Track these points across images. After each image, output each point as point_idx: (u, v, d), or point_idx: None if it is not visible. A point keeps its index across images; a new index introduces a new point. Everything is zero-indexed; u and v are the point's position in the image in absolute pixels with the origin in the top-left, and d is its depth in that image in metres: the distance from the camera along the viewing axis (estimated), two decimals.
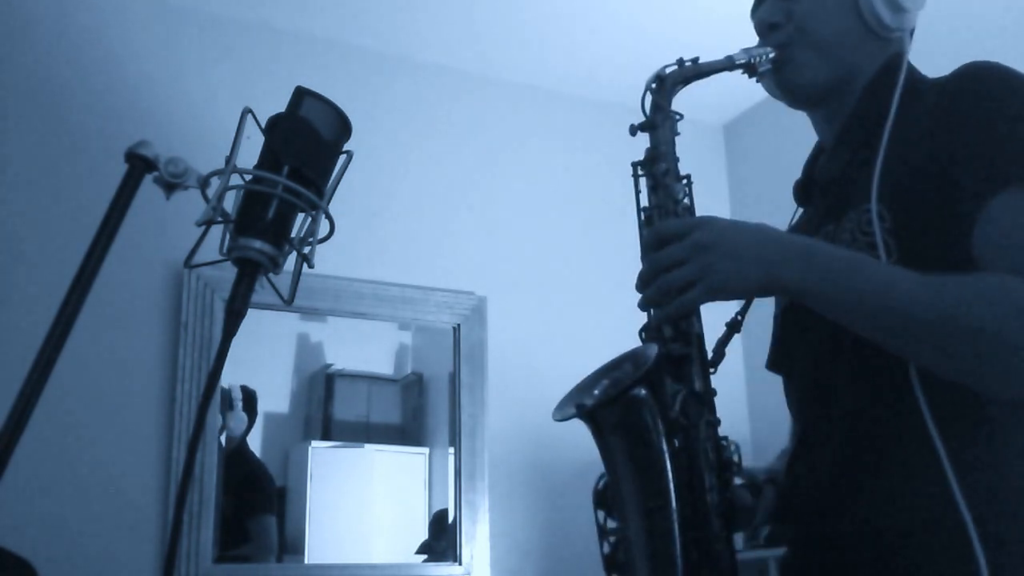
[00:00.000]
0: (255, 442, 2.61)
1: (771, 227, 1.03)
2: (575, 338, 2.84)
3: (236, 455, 2.53)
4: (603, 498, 1.10)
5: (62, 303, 0.79)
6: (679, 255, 0.98)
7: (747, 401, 2.96)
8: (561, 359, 2.80)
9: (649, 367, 1.00)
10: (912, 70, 1.14)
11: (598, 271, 2.86)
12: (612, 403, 1.02)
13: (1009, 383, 0.94)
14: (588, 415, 1.04)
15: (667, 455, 1.01)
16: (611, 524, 1.09)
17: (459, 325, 2.85)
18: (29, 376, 0.76)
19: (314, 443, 2.70)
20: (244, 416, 2.55)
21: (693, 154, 3.35)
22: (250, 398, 2.58)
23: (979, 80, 1.04)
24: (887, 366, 1.00)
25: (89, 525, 2.28)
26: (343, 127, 0.95)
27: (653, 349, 1.03)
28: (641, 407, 1.01)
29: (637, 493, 1.01)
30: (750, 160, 3.23)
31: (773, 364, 1.22)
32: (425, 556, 2.70)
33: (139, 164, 0.85)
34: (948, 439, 0.96)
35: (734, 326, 1.19)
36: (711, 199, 3.27)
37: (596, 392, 1.06)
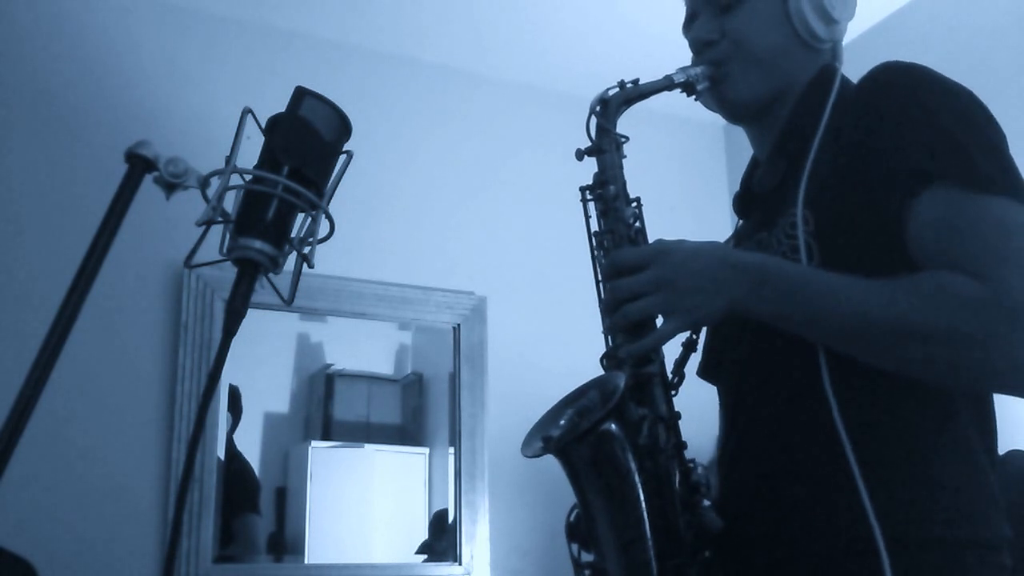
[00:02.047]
0: (255, 442, 2.61)
1: (724, 248, 1.06)
2: (575, 338, 2.83)
3: (225, 455, 2.52)
4: (576, 531, 1.10)
5: (62, 303, 0.79)
6: (640, 287, 1.00)
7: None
8: (561, 359, 2.79)
9: (618, 399, 1.00)
10: (844, 80, 1.15)
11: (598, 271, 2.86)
12: (582, 438, 1.01)
13: (966, 375, 0.96)
14: (559, 451, 1.03)
15: (639, 485, 1.01)
16: (586, 557, 1.09)
17: (459, 325, 2.85)
18: (29, 376, 0.76)
19: (314, 443, 2.69)
20: (228, 416, 2.54)
21: (693, 154, 3.38)
22: (234, 397, 2.56)
23: (895, 78, 1.05)
24: (802, 377, 1.01)
25: (89, 525, 2.28)
26: (343, 127, 0.95)
27: (620, 379, 1.02)
28: (611, 439, 1.01)
29: (612, 526, 1.01)
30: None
31: (704, 372, 1.23)
32: (425, 556, 2.70)
33: (139, 164, 0.85)
34: (856, 439, 0.97)
35: (690, 345, 1.20)
36: (711, 199, 3.31)
37: (562, 423, 1.06)
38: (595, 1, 2.79)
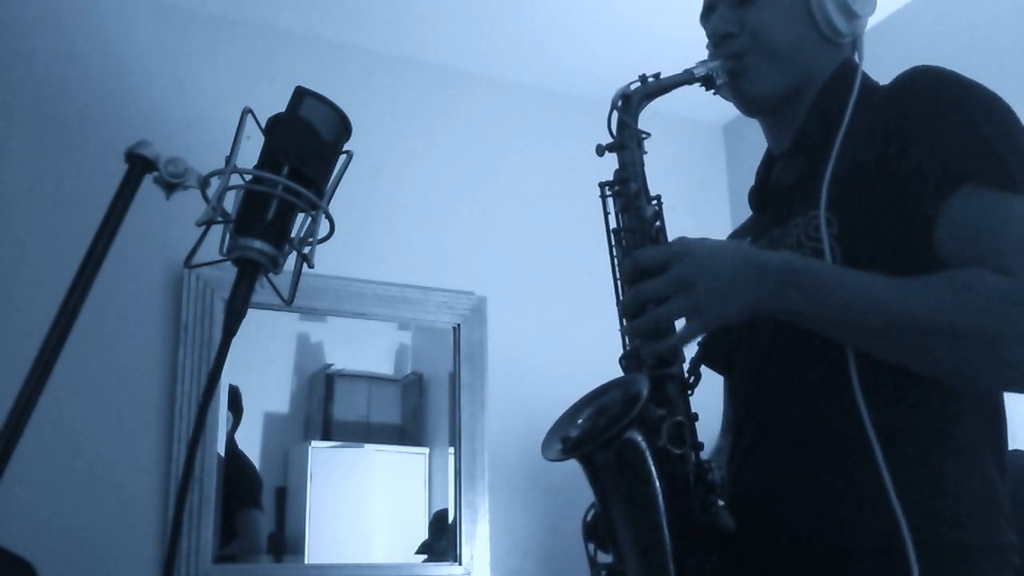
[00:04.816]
0: (255, 442, 2.61)
1: (746, 248, 1.05)
2: (575, 338, 2.84)
3: (226, 454, 2.52)
4: (593, 531, 1.10)
5: (62, 303, 0.79)
6: (663, 290, 0.98)
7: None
8: (561, 359, 2.80)
9: (642, 407, 0.99)
10: (865, 77, 1.14)
11: (598, 271, 2.85)
12: (606, 446, 1.01)
13: (996, 374, 0.95)
14: (581, 457, 1.03)
15: (659, 489, 1.01)
16: (602, 558, 1.08)
17: (459, 325, 2.85)
18: (29, 376, 0.77)
19: (314, 443, 2.69)
20: (229, 415, 2.54)
21: (693, 154, 3.38)
22: (235, 396, 2.56)
23: (926, 82, 1.04)
24: (827, 369, 1.01)
25: (89, 525, 2.28)
26: (343, 127, 0.95)
27: (643, 385, 1.02)
28: (633, 445, 1.01)
29: (632, 530, 1.01)
30: (750, 160, 3.20)
31: (709, 360, 1.22)
32: (425, 556, 2.70)
33: (139, 164, 0.85)
34: (886, 444, 0.96)
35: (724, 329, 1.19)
36: (711, 199, 3.31)
37: (580, 422, 1.06)
38: (595, 1, 2.79)
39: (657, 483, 1.01)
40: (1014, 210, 0.95)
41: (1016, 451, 1.91)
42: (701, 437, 1.08)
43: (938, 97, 1.02)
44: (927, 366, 0.96)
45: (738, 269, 0.98)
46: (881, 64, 1.19)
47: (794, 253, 1.06)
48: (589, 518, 1.10)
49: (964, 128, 0.99)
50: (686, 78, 1.14)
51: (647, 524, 1.00)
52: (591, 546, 1.10)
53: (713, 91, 1.17)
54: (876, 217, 1.01)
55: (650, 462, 1.01)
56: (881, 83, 1.15)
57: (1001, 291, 0.91)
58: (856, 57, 1.18)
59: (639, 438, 1.01)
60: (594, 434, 1.03)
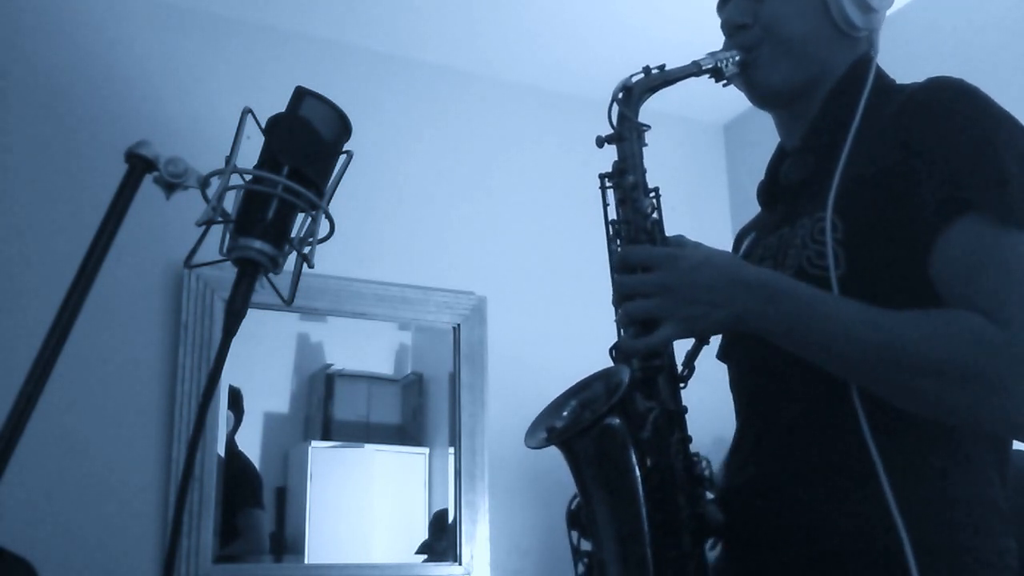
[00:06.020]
0: (255, 442, 2.61)
1: (735, 262, 1.04)
2: (575, 338, 2.84)
3: (226, 454, 2.52)
4: (576, 519, 1.10)
5: (62, 303, 0.79)
6: (643, 288, 0.99)
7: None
8: (561, 359, 2.79)
9: (622, 395, 1.00)
10: (880, 73, 1.13)
11: (598, 271, 2.85)
12: (585, 432, 1.01)
13: (973, 415, 0.96)
14: (562, 444, 1.03)
15: (639, 479, 1.01)
16: (585, 545, 1.09)
17: (459, 325, 2.85)
18: (29, 376, 0.76)
19: (314, 443, 2.69)
20: (231, 415, 2.54)
21: (693, 154, 3.39)
22: (235, 397, 2.56)
23: (946, 98, 1.02)
24: (828, 378, 1.00)
25: (89, 525, 2.28)
26: (343, 127, 0.95)
27: (625, 373, 1.02)
28: (613, 433, 1.01)
29: (611, 518, 1.02)
30: (750, 160, 3.23)
31: (723, 354, 1.21)
32: (425, 556, 2.70)
33: (139, 164, 0.85)
34: (883, 446, 0.96)
35: (702, 339, 1.19)
36: (711, 199, 3.31)
37: (565, 414, 1.06)
38: (595, 1, 2.79)
39: (637, 473, 1.01)
40: (1013, 250, 0.94)
41: (1017, 452, 1.91)
42: (699, 434, 1.08)
43: (959, 113, 1.00)
44: (907, 401, 0.96)
45: (720, 283, 0.98)
46: (882, 63, 1.18)
47: (796, 254, 1.06)
48: (573, 506, 1.11)
49: (983, 155, 0.97)
50: (693, 70, 1.13)
51: (626, 513, 1.00)
52: (574, 534, 1.10)
53: (723, 83, 1.17)
54: (882, 225, 1.00)
55: (631, 452, 1.01)
56: (897, 81, 1.14)
57: (988, 337, 0.91)
58: (873, 51, 1.16)
59: (620, 427, 1.01)
60: (576, 423, 1.04)
